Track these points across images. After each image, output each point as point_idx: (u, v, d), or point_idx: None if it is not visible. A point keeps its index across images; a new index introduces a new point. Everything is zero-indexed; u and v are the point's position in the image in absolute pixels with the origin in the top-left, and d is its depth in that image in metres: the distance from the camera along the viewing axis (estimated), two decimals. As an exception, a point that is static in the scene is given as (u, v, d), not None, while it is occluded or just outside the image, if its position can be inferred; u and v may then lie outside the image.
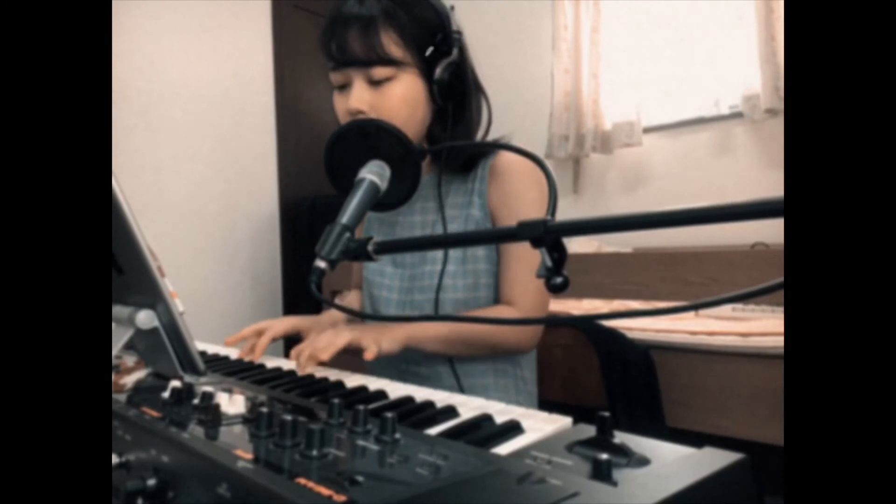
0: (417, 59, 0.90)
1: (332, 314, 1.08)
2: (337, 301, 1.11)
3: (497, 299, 0.98)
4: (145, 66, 2.66)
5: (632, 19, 2.98)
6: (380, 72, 0.88)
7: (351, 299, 1.19)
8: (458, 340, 0.91)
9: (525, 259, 0.94)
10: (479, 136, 1.00)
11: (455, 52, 0.91)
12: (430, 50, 0.90)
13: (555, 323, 1.30)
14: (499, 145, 0.80)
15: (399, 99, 0.89)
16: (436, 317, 0.98)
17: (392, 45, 0.88)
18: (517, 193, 0.96)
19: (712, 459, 0.38)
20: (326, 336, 0.81)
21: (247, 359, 0.90)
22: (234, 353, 0.95)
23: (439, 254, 0.97)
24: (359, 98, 0.89)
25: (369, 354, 0.78)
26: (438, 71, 0.90)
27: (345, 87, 0.92)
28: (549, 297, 1.00)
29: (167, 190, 2.72)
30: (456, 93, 0.93)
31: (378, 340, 0.82)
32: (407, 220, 1.04)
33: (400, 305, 1.01)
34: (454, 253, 0.97)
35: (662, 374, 1.31)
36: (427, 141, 0.98)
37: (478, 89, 0.98)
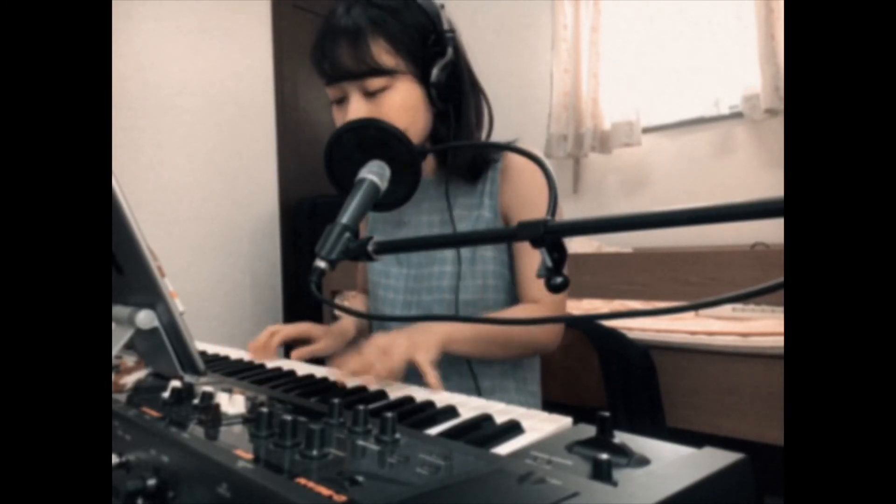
0: (411, 65, 0.89)
1: (342, 325, 1.07)
2: (337, 302, 1.11)
3: (506, 300, 0.98)
4: (145, 66, 2.66)
5: (632, 19, 2.98)
6: (374, 83, 0.87)
7: (353, 303, 1.19)
8: (491, 341, 0.90)
9: (539, 256, 0.94)
10: (482, 136, 0.99)
11: (450, 51, 0.90)
12: (423, 53, 0.89)
13: (554, 322, 1.30)
14: (499, 145, 0.80)
15: (397, 108, 0.88)
16: (442, 317, 0.98)
17: (383, 53, 0.87)
18: (530, 195, 0.95)
19: (712, 459, 0.38)
20: (377, 357, 0.76)
21: (257, 361, 0.89)
22: (234, 354, 0.95)
23: (447, 254, 0.97)
24: (356, 111, 0.88)
25: (434, 382, 0.73)
26: (435, 73, 0.89)
27: (342, 100, 0.91)
28: (567, 293, 1.00)
29: (167, 190, 2.72)
30: (455, 93, 0.92)
31: (430, 352, 0.78)
32: (414, 221, 1.04)
33: (406, 306, 1.01)
34: (463, 254, 0.96)
35: (662, 374, 1.31)
36: (431, 144, 0.98)
37: (475, 88, 0.98)
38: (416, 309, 1.00)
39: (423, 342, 0.79)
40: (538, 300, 0.94)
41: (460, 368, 0.97)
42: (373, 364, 0.74)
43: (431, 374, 0.74)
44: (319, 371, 0.80)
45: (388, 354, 0.75)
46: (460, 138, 0.95)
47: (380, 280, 1.05)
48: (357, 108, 0.88)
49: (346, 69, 0.87)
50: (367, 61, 0.86)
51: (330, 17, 0.89)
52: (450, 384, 0.97)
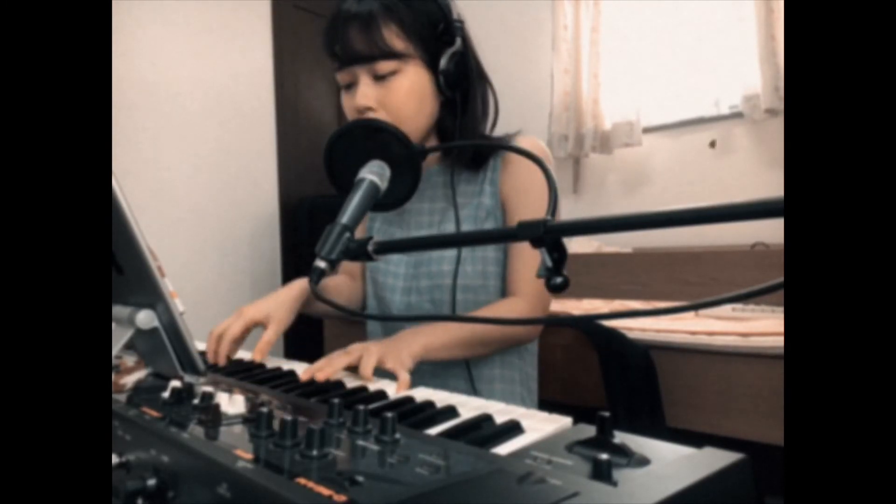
0: (421, 51, 0.90)
1: (292, 288, 0.98)
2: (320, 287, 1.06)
3: (505, 287, 0.99)
4: (145, 66, 2.66)
5: (632, 19, 2.98)
6: (384, 66, 0.88)
7: (335, 283, 1.11)
8: (473, 341, 0.90)
9: (531, 250, 0.94)
10: (488, 126, 1.00)
11: (458, 41, 0.91)
12: (433, 41, 0.90)
13: (555, 323, 1.30)
14: (499, 145, 0.80)
15: (405, 92, 0.89)
16: (438, 317, 0.98)
17: (394, 38, 0.88)
18: (529, 184, 0.96)
19: (712, 459, 0.37)
20: (343, 360, 0.77)
21: (256, 360, 0.88)
22: (233, 354, 0.95)
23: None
24: (364, 94, 0.89)
25: (403, 386, 0.73)
26: (443, 61, 0.90)
27: (351, 86, 0.92)
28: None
29: (167, 190, 2.72)
30: (462, 82, 0.93)
31: (402, 362, 0.78)
32: (416, 208, 1.04)
33: (406, 292, 1.01)
34: None
35: (662, 374, 1.31)
36: (437, 133, 0.99)
37: (482, 79, 0.98)
38: (417, 294, 1.00)
39: (395, 353, 0.79)
40: (521, 293, 0.95)
41: (458, 366, 0.97)
42: (334, 372, 0.74)
43: (403, 377, 0.73)
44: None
45: (360, 370, 0.75)
46: (466, 127, 0.95)
47: (379, 266, 1.05)
48: (365, 92, 0.89)
49: (358, 52, 0.88)
50: (378, 44, 0.87)
51: (342, 4, 0.91)
52: (447, 377, 0.97)
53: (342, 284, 1.14)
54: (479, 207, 0.98)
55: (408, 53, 0.89)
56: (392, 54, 0.88)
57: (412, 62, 0.90)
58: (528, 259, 0.95)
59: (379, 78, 0.89)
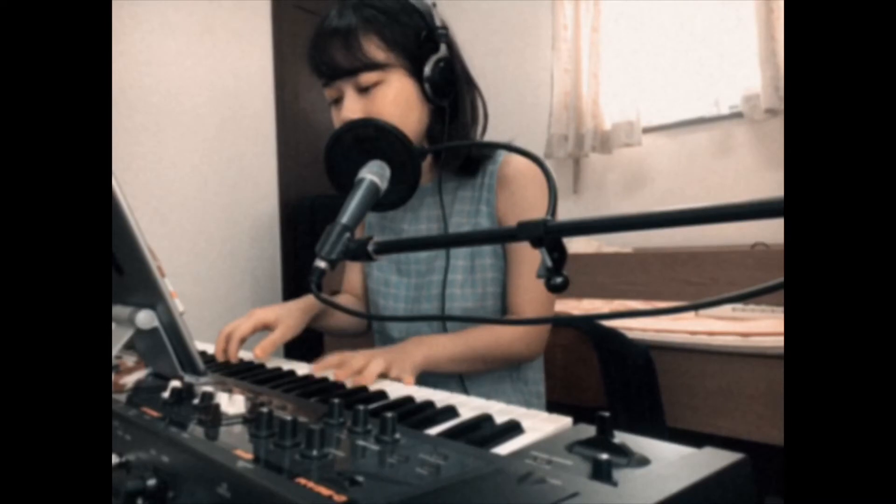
0: (404, 60, 0.89)
1: (304, 301, 1.01)
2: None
3: (504, 308, 0.98)
4: (145, 66, 2.66)
5: (632, 19, 2.98)
6: (367, 78, 0.88)
7: (343, 301, 1.16)
8: (473, 357, 0.90)
9: (532, 267, 0.93)
10: (478, 132, 0.99)
11: (443, 47, 0.91)
12: (416, 49, 0.89)
13: (555, 323, 1.30)
14: (498, 145, 0.80)
15: (390, 102, 0.89)
16: (439, 317, 0.98)
17: (374, 49, 0.88)
18: (526, 201, 0.95)
19: (712, 459, 0.37)
20: (357, 363, 0.77)
21: (256, 361, 0.89)
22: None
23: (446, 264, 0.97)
24: (350, 108, 0.88)
25: (409, 383, 0.75)
26: (427, 68, 0.89)
27: (338, 101, 0.92)
28: (554, 303, 1.00)
29: (167, 190, 2.72)
30: (449, 89, 0.92)
31: (405, 369, 0.79)
32: (412, 229, 1.03)
33: (407, 314, 1.01)
34: (462, 262, 0.96)
35: (662, 374, 1.31)
36: (428, 142, 0.98)
37: (470, 85, 0.97)
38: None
39: (400, 362, 0.79)
40: (522, 310, 0.94)
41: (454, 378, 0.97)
42: (348, 377, 0.74)
43: (408, 380, 0.75)
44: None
45: (362, 374, 0.74)
46: (455, 134, 0.95)
47: (380, 289, 1.04)
48: (350, 106, 0.89)
49: (340, 66, 0.88)
50: (359, 57, 0.87)
51: (323, 21, 0.91)
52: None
53: (349, 304, 1.15)
54: (476, 228, 0.97)
55: (390, 63, 0.88)
56: (373, 65, 0.87)
57: (395, 71, 0.89)
58: (528, 276, 0.93)
59: (363, 90, 0.89)
